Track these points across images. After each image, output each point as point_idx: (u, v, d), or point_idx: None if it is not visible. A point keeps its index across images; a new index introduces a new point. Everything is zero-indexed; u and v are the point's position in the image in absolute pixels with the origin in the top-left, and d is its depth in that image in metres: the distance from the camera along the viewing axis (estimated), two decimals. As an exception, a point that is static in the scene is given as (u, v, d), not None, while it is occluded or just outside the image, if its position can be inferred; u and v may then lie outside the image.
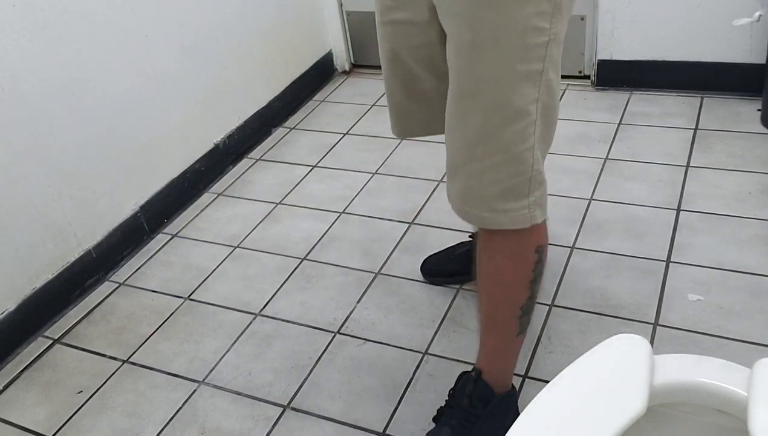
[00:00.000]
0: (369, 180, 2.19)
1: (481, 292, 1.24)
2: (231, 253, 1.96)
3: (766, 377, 0.78)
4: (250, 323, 1.70)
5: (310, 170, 2.29)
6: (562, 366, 0.85)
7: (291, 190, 2.20)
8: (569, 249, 1.77)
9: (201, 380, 1.57)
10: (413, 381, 1.48)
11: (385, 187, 2.14)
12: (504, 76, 1.04)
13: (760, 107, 2.19)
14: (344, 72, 2.92)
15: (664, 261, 1.69)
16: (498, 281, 1.20)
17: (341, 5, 2.80)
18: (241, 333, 1.68)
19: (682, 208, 1.85)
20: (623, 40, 2.37)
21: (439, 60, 1.19)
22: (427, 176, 2.15)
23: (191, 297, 1.82)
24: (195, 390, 1.54)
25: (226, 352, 1.63)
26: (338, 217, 2.04)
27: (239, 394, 1.52)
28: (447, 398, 1.31)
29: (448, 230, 1.90)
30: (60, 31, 1.73)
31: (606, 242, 1.77)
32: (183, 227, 2.10)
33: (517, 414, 1.29)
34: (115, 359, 1.66)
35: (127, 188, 1.99)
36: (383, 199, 2.09)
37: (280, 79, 2.60)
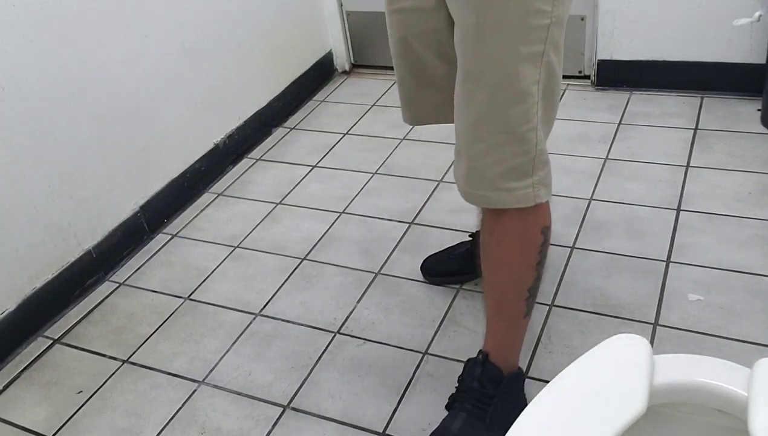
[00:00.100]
0: (369, 180, 2.19)
1: (488, 275, 1.26)
2: (231, 253, 1.96)
3: (766, 377, 0.78)
4: (250, 323, 1.70)
5: (310, 170, 2.29)
6: (562, 366, 0.85)
7: (291, 190, 2.20)
8: (569, 249, 1.77)
9: (201, 380, 1.57)
10: (413, 381, 1.48)
11: (385, 187, 2.14)
12: (508, 58, 1.07)
13: (760, 107, 2.18)
14: (344, 72, 2.92)
15: (664, 261, 1.69)
16: (505, 264, 1.22)
17: (341, 5, 2.80)
18: (241, 333, 1.68)
19: (682, 208, 1.85)
20: (623, 40, 2.37)
21: (447, 46, 1.22)
22: (427, 176, 2.15)
23: (191, 297, 1.82)
24: (195, 390, 1.54)
25: (226, 352, 1.63)
26: (338, 217, 2.04)
27: (239, 394, 1.52)
28: (456, 384, 1.33)
29: (448, 229, 1.90)
30: (60, 31, 1.73)
31: (606, 242, 1.77)
32: (183, 227, 2.10)
33: (525, 399, 1.34)
34: (115, 359, 1.66)
35: (127, 188, 1.99)
36: (383, 199, 2.09)
37: (280, 79, 2.60)
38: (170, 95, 2.10)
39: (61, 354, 1.70)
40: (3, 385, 1.63)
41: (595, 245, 1.76)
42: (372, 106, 2.62)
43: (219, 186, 2.28)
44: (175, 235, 2.07)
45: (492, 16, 1.05)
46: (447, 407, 1.33)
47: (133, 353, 1.67)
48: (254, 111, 2.47)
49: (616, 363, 0.84)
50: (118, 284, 1.90)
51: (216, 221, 2.11)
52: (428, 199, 2.05)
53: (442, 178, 2.13)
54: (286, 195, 2.18)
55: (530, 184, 1.14)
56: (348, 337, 1.62)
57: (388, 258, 1.84)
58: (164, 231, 2.09)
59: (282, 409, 1.47)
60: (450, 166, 2.17)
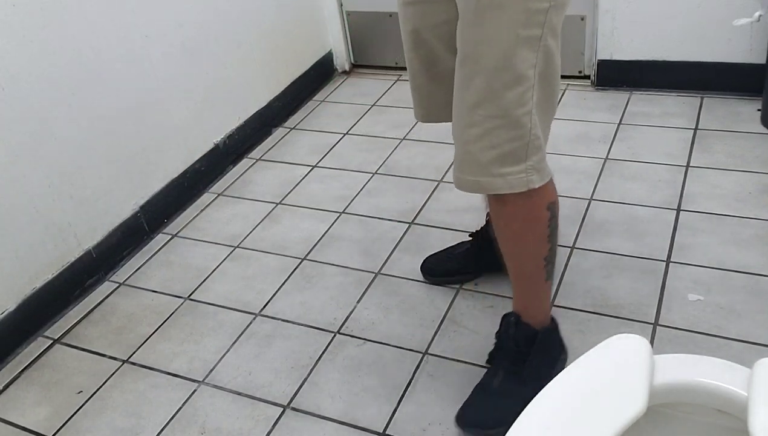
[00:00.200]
0: (369, 180, 2.19)
1: (504, 250, 1.31)
2: (231, 253, 1.96)
3: (766, 377, 0.78)
4: (250, 323, 1.70)
5: (310, 170, 2.29)
6: (562, 366, 0.85)
7: (291, 190, 2.20)
8: (569, 249, 1.77)
9: (201, 380, 1.57)
10: (413, 381, 1.48)
11: (385, 187, 2.14)
12: (506, 41, 1.08)
13: (760, 107, 2.18)
14: (344, 72, 2.92)
15: (664, 261, 1.69)
16: (518, 242, 1.28)
17: (341, 5, 2.80)
18: (241, 333, 1.68)
19: (682, 208, 1.85)
20: (623, 40, 2.37)
21: None
22: (427, 176, 2.15)
23: (191, 297, 1.82)
24: (195, 390, 1.54)
25: (226, 352, 1.63)
26: (338, 217, 2.04)
27: (239, 394, 1.52)
28: (495, 340, 1.40)
29: (448, 229, 1.90)
30: (60, 31, 1.73)
31: (606, 242, 1.77)
32: (183, 227, 2.10)
33: (562, 345, 1.41)
34: (115, 359, 1.66)
35: (127, 188, 1.99)
36: (383, 199, 2.09)
37: (280, 79, 2.60)
38: (170, 95, 2.10)
39: (61, 354, 1.70)
40: (3, 385, 1.63)
41: (595, 245, 1.76)
42: (372, 106, 2.62)
43: (219, 186, 2.28)
44: (175, 235, 2.07)
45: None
46: (487, 362, 1.42)
47: (133, 353, 1.67)
48: (254, 111, 2.47)
49: (616, 363, 0.84)
50: (118, 284, 1.90)
51: (216, 220, 2.11)
52: (428, 199, 2.05)
53: (442, 178, 2.13)
54: (286, 195, 2.18)
55: (523, 170, 1.15)
56: (348, 337, 1.62)
57: (388, 258, 1.84)
58: (164, 231, 2.09)
59: (282, 409, 1.47)
60: (450, 167, 2.17)
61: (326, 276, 1.81)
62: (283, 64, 2.61)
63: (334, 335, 1.63)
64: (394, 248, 1.87)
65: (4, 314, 1.69)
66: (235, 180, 2.30)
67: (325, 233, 1.97)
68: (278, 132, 2.56)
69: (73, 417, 1.52)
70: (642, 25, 2.32)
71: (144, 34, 1.98)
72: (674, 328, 1.51)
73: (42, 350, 1.71)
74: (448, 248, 1.75)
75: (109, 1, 1.85)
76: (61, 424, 1.51)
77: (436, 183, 2.11)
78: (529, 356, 1.35)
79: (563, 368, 1.29)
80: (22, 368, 1.67)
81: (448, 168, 2.17)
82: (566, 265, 1.72)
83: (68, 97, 1.77)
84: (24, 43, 1.64)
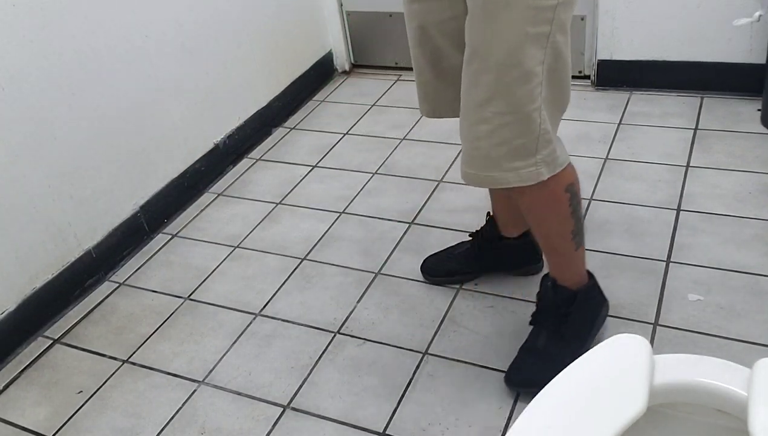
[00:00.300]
0: (369, 180, 2.19)
1: (532, 230, 1.38)
2: (231, 253, 1.96)
3: (766, 377, 0.78)
4: (250, 323, 1.70)
5: (310, 170, 2.29)
6: (562, 366, 0.85)
7: (291, 190, 2.20)
8: (569, 249, 1.77)
9: (201, 380, 1.57)
10: (413, 381, 1.48)
11: (385, 187, 2.14)
12: (514, 38, 1.09)
13: (760, 107, 2.18)
14: (344, 72, 2.92)
15: (664, 261, 1.69)
16: (542, 224, 1.34)
17: (341, 5, 2.80)
18: (241, 333, 1.68)
19: (682, 208, 1.85)
20: (623, 40, 2.37)
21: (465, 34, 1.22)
22: (427, 176, 2.15)
23: (191, 297, 1.82)
24: (195, 390, 1.54)
25: (226, 352, 1.63)
26: (338, 217, 2.04)
27: (239, 394, 1.52)
28: (536, 301, 1.46)
29: (448, 229, 1.90)
30: (60, 31, 1.73)
31: (606, 242, 1.77)
32: (183, 227, 2.10)
33: (603, 298, 1.47)
34: (115, 359, 1.66)
35: (127, 188, 1.99)
36: (383, 199, 2.09)
37: (280, 79, 2.60)
38: (170, 95, 2.10)
39: (61, 354, 1.70)
40: (3, 385, 1.63)
41: (595, 245, 1.76)
42: (372, 106, 2.62)
43: (219, 186, 2.28)
44: (175, 235, 2.07)
45: None
46: (530, 323, 1.46)
47: (133, 353, 1.67)
48: (254, 111, 2.47)
49: (616, 363, 0.84)
50: (118, 284, 1.90)
51: (216, 221, 2.11)
52: (428, 199, 2.05)
53: (442, 178, 2.13)
54: (286, 195, 2.18)
55: (533, 163, 1.17)
56: (348, 337, 1.62)
57: (388, 258, 1.84)
58: (164, 231, 2.09)
59: (282, 409, 1.47)
60: (450, 167, 2.17)
61: (326, 276, 1.81)
62: (283, 64, 2.61)
63: (334, 335, 1.63)
64: (394, 248, 1.87)
65: (4, 314, 1.69)
66: (235, 180, 2.30)
67: (325, 233, 1.97)
68: (278, 132, 2.56)
69: (73, 417, 1.52)
70: (642, 25, 2.32)
71: (144, 34, 1.98)
72: (674, 328, 1.51)
73: (42, 350, 1.71)
74: (448, 248, 1.75)
75: (109, 1, 1.85)
76: (61, 424, 1.51)
77: (436, 183, 2.11)
78: (570, 315, 1.40)
79: (605, 319, 1.41)
80: (22, 368, 1.67)
81: (448, 168, 2.17)
82: (566, 265, 1.72)
83: (68, 97, 1.77)
84: (24, 43, 1.64)
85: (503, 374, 1.43)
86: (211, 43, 2.24)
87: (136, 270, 1.94)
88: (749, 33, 2.20)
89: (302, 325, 1.67)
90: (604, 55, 2.42)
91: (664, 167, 2.02)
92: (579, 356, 0.85)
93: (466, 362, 1.50)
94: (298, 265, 1.87)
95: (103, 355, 1.68)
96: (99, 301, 1.85)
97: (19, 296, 1.72)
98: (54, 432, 1.49)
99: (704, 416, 0.85)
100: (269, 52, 2.52)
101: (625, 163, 2.07)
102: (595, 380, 0.82)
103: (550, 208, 1.29)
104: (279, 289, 1.79)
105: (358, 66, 2.93)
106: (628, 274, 1.66)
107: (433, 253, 1.76)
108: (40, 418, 1.53)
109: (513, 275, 1.68)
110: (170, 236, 2.06)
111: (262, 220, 2.08)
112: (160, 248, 2.02)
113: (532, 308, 1.48)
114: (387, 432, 1.38)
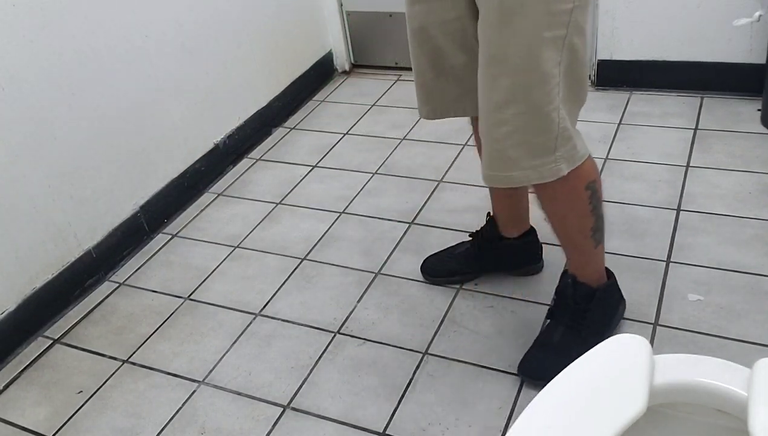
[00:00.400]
0: (369, 180, 2.19)
1: (552, 227, 1.38)
2: (231, 253, 1.96)
3: (766, 377, 0.78)
4: (250, 323, 1.70)
5: (310, 170, 2.29)
6: (562, 366, 0.85)
7: (291, 190, 2.20)
8: (569, 249, 1.77)
9: (201, 380, 1.57)
10: (413, 381, 1.48)
11: (385, 187, 2.14)
12: (531, 42, 1.10)
13: (760, 107, 2.18)
14: (344, 72, 2.92)
15: (664, 261, 1.69)
16: (562, 220, 1.35)
17: (341, 5, 2.80)
18: (241, 333, 1.68)
19: (682, 208, 1.85)
20: (623, 40, 2.37)
21: (469, 34, 1.24)
22: (427, 176, 2.15)
23: (191, 297, 1.82)
24: (195, 390, 1.54)
25: (226, 352, 1.63)
26: (338, 217, 2.04)
27: (239, 394, 1.52)
28: (554, 296, 1.47)
29: (448, 229, 1.90)
30: (60, 31, 1.73)
31: (606, 242, 1.76)
32: (183, 227, 2.10)
33: (621, 296, 1.48)
34: (115, 359, 1.66)
35: (127, 188, 1.99)
36: (383, 199, 2.09)
37: (280, 79, 2.60)
38: (170, 95, 2.10)
39: (61, 354, 1.70)
40: (3, 385, 1.63)
41: (595, 245, 1.76)
42: (372, 106, 2.62)
43: (219, 186, 2.28)
44: (175, 235, 2.07)
45: (514, 1, 1.08)
46: (547, 317, 1.48)
47: (133, 353, 1.67)
48: (254, 111, 2.47)
49: (616, 363, 0.84)
50: (118, 284, 1.90)
51: (216, 221, 2.11)
52: (428, 199, 2.05)
53: (442, 178, 2.13)
54: (286, 195, 2.18)
55: (553, 160, 1.19)
56: (348, 337, 1.62)
57: (388, 258, 1.84)
58: (164, 231, 2.09)
59: (282, 409, 1.47)
60: (450, 167, 2.17)
61: (326, 276, 1.81)
62: (283, 64, 2.61)
63: (334, 335, 1.63)
64: (394, 248, 1.87)
65: (4, 314, 1.69)
66: (235, 180, 2.30)
67: (325, 233, 1.97)
68: (278, 132, 2.56)
69: (73, 417, 1.52)
70: (642, 25, 2.32)
71: (144, 34, 1.98)
72: (674, 328, 1.51)
73: (42, 350, 1.71)
74: (448, 248, 1.75)
75: (109, 1, 1.85)
76: (61, 424, 1.51)
77: (436, 183, 2.11)
78: (588, 312, 1.41)
79: (622, 317, 1.41)
80: (22, 368, 1.67)
81: (448, 168, 2.17)
82: (566, 265, 1.72)
83: (68, 97, 1.77)
84: (24, 43, 1.64)
85: (503, 374, 1.43)
86: (211, 43, 2.24)
87: (136, 270, 1.94)
88: (749, 33, 2.20)
89: (302, 325, 1.67)
90: (604, 55, 2.42)
91: (664, 167, 2.02)
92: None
93: (466, 362, 1.50)
94: (298, 265, 1.87)
95: (103, 355, 1.68)
96: (99, 301, 1.85)
97: (19, 296, 1.72)
98: (54, 432, 1.49)
99: (704, 416, 0.85)
100: (269, 52, 2.52)
101: (625, 163, 2.07)
102: (595, 379, 0.82)
103: (570, 203, 1.30)
104: (279, 289, 1.79)
105: (358, 66, 2.93)
106: (628, 274, 1.66)
107: (433, 253, 1.76)
108: (40, 418, 1.53)
109: (513, 275, 1.68)
110: (170, 236, 2.06)
111: (262, 220, 2.08)
112: (160, 248, 2.02)
113: (533, 307, 1.48)
114: (387, 432, 1.38)
